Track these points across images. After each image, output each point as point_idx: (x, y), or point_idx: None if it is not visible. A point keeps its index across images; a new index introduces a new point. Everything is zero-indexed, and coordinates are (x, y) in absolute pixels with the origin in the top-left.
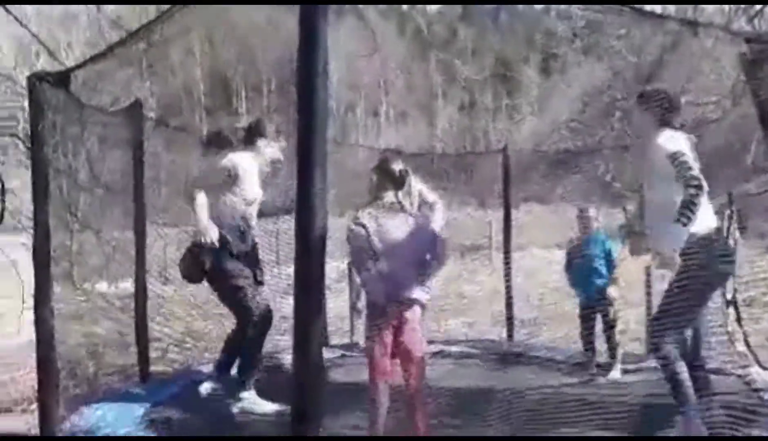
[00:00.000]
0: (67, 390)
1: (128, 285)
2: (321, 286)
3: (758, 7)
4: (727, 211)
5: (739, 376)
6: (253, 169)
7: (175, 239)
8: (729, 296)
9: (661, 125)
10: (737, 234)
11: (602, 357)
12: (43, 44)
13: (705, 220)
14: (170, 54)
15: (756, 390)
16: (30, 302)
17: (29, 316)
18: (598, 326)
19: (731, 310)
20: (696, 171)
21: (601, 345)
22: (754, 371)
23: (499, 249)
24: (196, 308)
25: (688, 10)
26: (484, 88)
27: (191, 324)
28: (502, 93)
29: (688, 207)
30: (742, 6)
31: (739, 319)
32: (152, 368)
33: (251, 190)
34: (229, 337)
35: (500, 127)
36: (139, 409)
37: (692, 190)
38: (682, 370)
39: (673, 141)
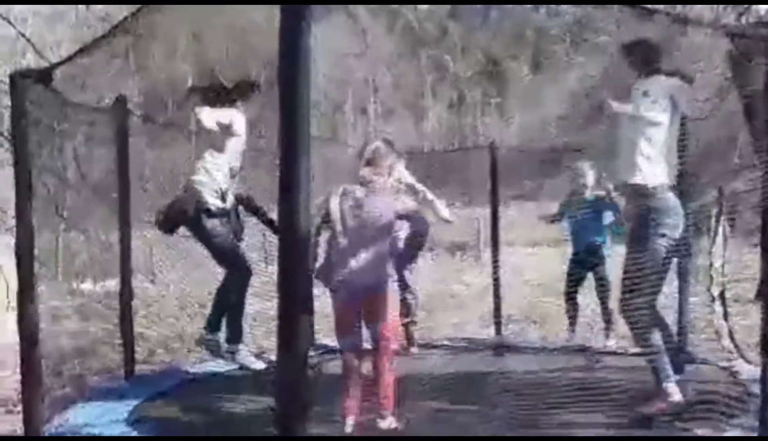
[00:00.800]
0: (51, 389)
1: (113, 284)
2: (307, 284)
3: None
4: (715, 209)
5: (724, 367)
6: (242, 127)
7: (161, 239)
8: (716, 292)
9: (648, 74)
10: (727, 230)
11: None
12: (29, 42)
13: (655, 174)
14: (156, 49)
15: (739, 384)
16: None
17: (14, 317)
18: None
19: (718, 305)
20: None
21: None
22: (740, 367)
23: (486, 245)
24: (182, 309)
25: (677, 7)
26: (473, 85)
27: (177, 325)
28: (491, 90)
29: None
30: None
31: (725, 315)
32: (138, 367)
33: (238, 147)
34: (215, 296)
35: (489, 124)
36: (124, 408)
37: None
38: (659, 341)
39: (651, 86)
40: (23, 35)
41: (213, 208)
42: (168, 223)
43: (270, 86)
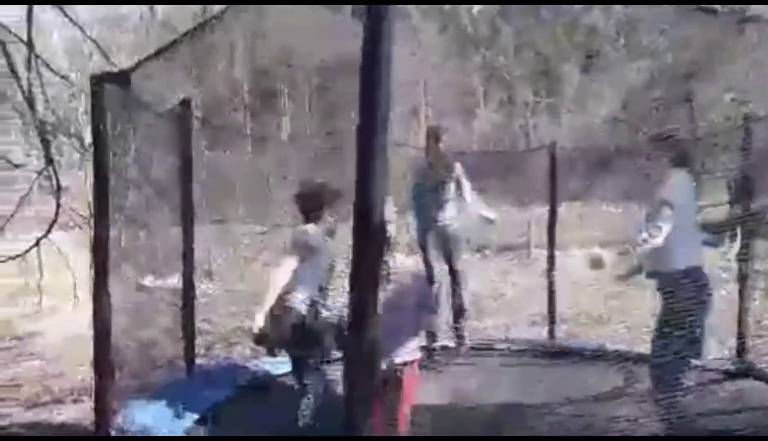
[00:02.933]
0: (117, 383)
1: (175, 281)
2: (377, 285)
3: None
4: None
5: None
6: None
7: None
8: None
9: (674, 166)
10: None
11: None
12: (97, 45)
13: (684, 258)
14: (217, 54)
15: None
16: (81, 297)
17: (80, 310)
18: None
19: None
20: (663, 225)
21: None
22: None
23: (539, 247)
24: (238, 305)
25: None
26: (524, 85)
27: (235, 321)
28: (542, 90)
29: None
30: None
31: None
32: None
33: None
34: None
35: (540, 125)
36: (185, 407)
37: (645, 236)
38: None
39: (674, 191)
40: (90, 38)
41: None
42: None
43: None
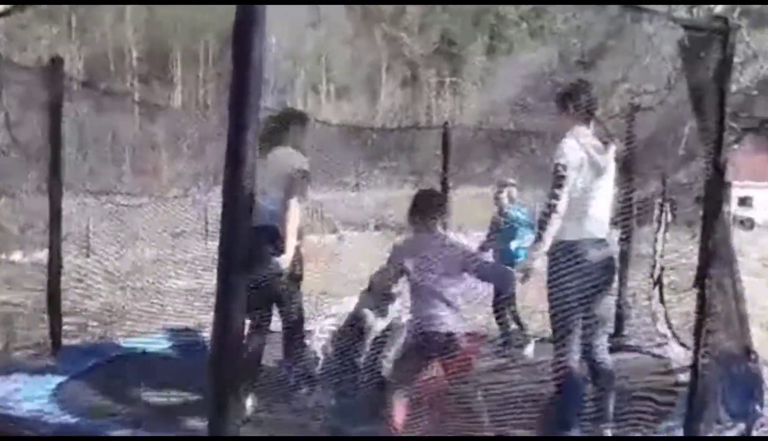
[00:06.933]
0: None
1: (43, 255)
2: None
3: None
4: (659, 200)
5: (656, 355)
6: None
7: (99, 209)
8: (655, 277)
9: (580, 123)
10: (668, 219)
11: None
12: None
13: (573, 229)
14: (102, 15)
15: (671, 371)
16: None
17: None
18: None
19: (656, 291)
20: (562, 193)
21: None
22: (672, 350)
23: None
24: (116, 282)
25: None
26: (429, 64)
27: (110, 298)
28: (446, 70)
29: (539, 224)
30: None
31: (662, 300)
32: (69, 342)
33: None
34: None
35: (444, 105)
36: (50, 382)
37: (546, 210)
38: (579, 390)
39: (567, 151)
40: None
41: None
42: None
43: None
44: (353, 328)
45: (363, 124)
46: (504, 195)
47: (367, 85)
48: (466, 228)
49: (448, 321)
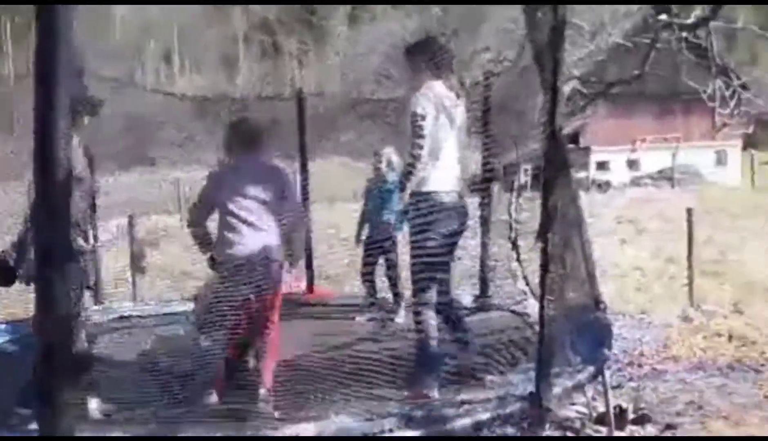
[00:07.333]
0: None
1: None
2: (66, 248)
3: None
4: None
5: (515, 311)
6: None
7: None
8: (511, 239)
9: (431, 77)
10: (525, 183)
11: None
12: None
13: (429, 180)
14: None
15: (529, 324)
16: None
17: None
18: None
19: (513, 251)
20: (422, 141)
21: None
22: (530, 306)
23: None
24: None
25: None
26: (290, 34)
27: None
28: (308, 40)
29: (405, 176)
30: None
31: (518, 259)
32: None
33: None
34: None
35: (307, 75)
36: None
37: (410, 159)
38: (434, 333)
39: (422, 101)
40: None
41: None
42: None
43: None
44: None
45: (221, 96)
46: (383, 163)
47: (226, 56)
48: (335, 199)
49: (248, 242)
